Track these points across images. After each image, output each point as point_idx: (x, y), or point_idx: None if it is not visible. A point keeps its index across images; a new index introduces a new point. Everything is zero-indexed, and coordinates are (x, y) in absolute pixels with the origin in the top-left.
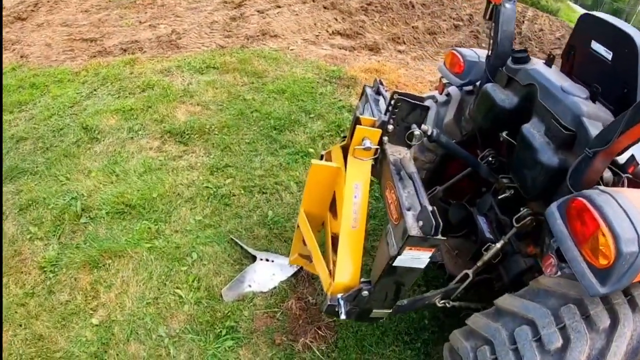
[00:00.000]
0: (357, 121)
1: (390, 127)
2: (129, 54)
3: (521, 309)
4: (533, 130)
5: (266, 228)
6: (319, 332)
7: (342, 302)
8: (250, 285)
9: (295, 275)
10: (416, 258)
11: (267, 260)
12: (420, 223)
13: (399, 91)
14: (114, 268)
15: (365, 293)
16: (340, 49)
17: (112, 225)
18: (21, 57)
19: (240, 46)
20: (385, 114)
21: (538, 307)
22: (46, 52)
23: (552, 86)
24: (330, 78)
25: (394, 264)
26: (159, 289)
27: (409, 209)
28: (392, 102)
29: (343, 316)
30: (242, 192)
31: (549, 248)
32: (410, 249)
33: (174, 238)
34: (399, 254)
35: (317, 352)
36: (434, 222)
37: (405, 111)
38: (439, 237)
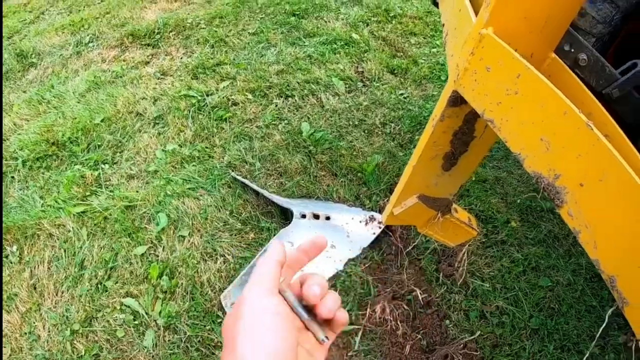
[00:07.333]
0: None
1: None
2: None
3: None
4: None
5: (302, 152)
6: None
7: None
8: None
9: (376, 245)
10: None
11: (315, 216)
12: None
13: None
14: (17, 263)
15: None
16: None
17: (28, 180)
18: None
19: None
20: None
21: None
22: None
23: None
24: None
25: None
26: (92, 302)
27: None
28: None
29: None
30: (250, 97)
31: None
32: None
33: (126, 189)
34: None
35: None
36: None
37: None
38: None
